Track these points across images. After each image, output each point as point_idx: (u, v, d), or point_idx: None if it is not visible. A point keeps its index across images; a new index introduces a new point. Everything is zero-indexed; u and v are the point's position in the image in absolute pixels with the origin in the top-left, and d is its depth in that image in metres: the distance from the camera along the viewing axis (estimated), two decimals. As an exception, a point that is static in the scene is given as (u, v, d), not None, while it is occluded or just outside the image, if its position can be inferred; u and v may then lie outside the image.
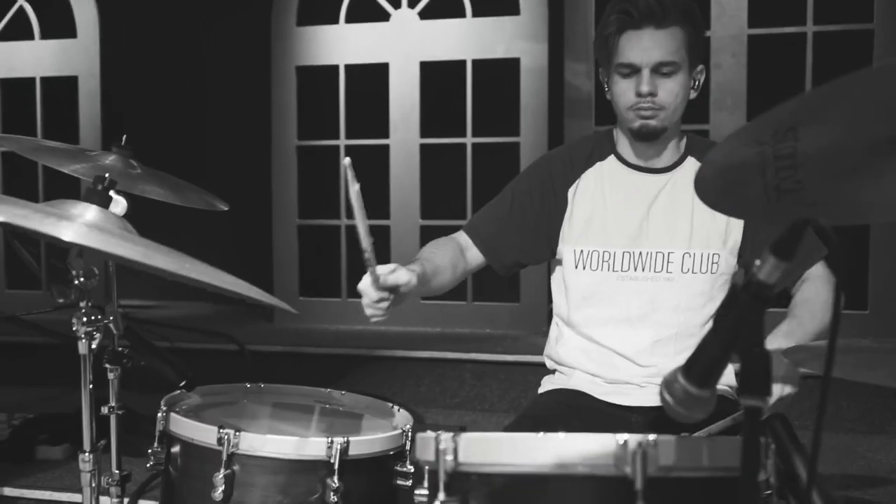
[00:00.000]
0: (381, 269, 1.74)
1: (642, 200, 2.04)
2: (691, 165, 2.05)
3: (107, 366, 1.78)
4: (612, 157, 2.09)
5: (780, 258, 0.84)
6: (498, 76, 4.59)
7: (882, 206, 1.19)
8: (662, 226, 2.02)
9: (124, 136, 1.85)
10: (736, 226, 2.00)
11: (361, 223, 1.65)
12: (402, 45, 4.68)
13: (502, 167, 4.62)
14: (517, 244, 2.10)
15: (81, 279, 1.43)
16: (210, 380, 1.95)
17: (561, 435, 0.95)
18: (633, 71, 1.93)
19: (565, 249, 2.07)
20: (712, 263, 1.99)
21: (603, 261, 2.04)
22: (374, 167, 4.77)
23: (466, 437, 0.97)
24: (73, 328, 1.45)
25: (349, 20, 4.76)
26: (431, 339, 4.39)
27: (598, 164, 2.09)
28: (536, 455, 0.93)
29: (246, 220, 4.50)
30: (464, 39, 4.61)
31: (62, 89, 5.20)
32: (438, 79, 4.69)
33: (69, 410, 3.38)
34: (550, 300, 4.35)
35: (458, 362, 4.16)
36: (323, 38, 4.79)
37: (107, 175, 1.43)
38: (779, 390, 1.74)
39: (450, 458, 0.98)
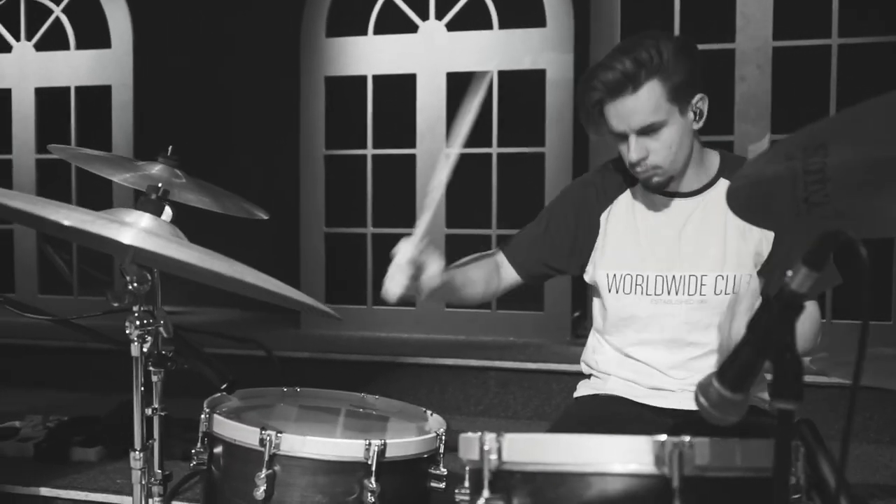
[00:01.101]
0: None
1: (674, 224, 2.08)
2: (723, 187, 2.07)
3: (151, 368, 1.85)
4: (640, 184, 2.13)
5: (811, 268, 0.88)
6: (524, 87, 4.64)
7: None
8: (695, 249, 2.05)
9: (170, 147, 1.92)
10: (766, 246, 2.04)
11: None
12: (430, 57, 4.74)
13: (527, 177, 4.68)
14: (547, 259, 2.17)
15: (135, 284, 1.50)
16: (240, 385, 2.02)
17: (601, 436, 1.00)
18: (622, 137, 1.98)
19: (598, 273, 2.12)
20: (745, 284, 2.03)
21: (636, 284, 2.08)
22: (400, 176, 4.83)
23: (510, 437, 1.03)
24: (127, 331, 1.51)
25: (378, 31, 4.83)
26: (456, 347, 4.44)
27: (630, 189, 2.14)
28: (578, 454, 0.98)
29: (275, 228, 4.57)
30: (490, 51, 4.67)
31: (96, 99, 5.30)
32: (465, 90, 4.74)
33: (100, 413, 3.46)
34: (573, 310, 4.40)
35: (483, 370, 4.21)
36: (352, 50, 4.87)
37: (160, 185, 1.50)
38: None
39: (494, 457, 1.03)
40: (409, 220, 5.13)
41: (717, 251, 2.04)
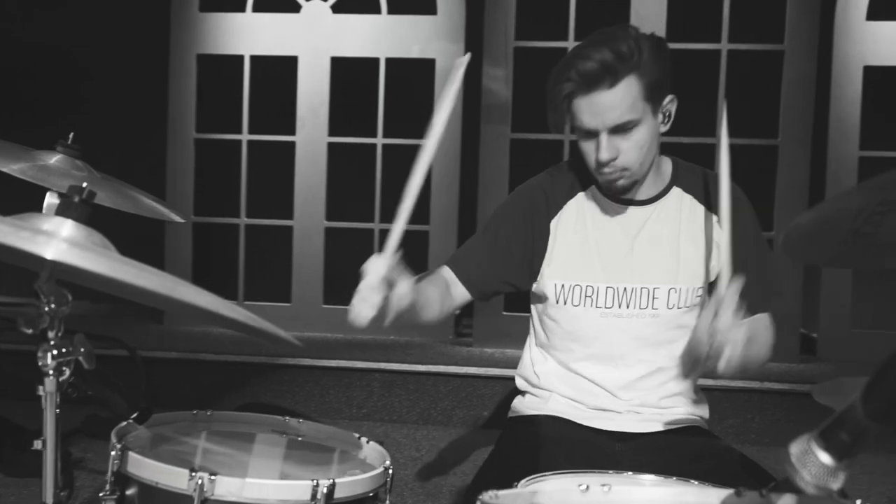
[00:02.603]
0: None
1: (626, 234, 1.96)
2: (676, 196, 1.98)
3: (42, 394, 1.56)
4: (594, 188, 2.01)
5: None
6: (412, 76, 4.46)
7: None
8: (647, 260, 1.94)
9: (71, 134, 1.63)
10: (716, 255, 1.95)
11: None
12: (313, 39, 4.49)
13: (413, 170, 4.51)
14: (502, 278, 2.01)
15: (52, 306, 1.23)
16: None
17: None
18: (591, 134, 1.85)
19: (547, 283, 1.98)
20: (696, 296, 1.95)
21: (586, 296, 1.96)
22: (278, 165, 4.55)
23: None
24: (40, 362, 1.24)
25: (257, 9, 4.52)
26: (336, 347, 4.23)
27: (581, 194, 2.01)
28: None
29: (137, 217, 4.20)
30: (378, 37, 4.46)
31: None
32: (350, 76, 4.52)
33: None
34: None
35: (367, 371, 4.02)
36: (228, 27, 4.54)
37: (84, 185, 1.24)
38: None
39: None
40: (286, 212, 4.88)
41: (671, 263, 1.94)
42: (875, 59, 4.14)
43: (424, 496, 3.04)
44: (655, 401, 1.97)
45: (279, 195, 4.56)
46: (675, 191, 1.98)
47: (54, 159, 1.58)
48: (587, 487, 1.21)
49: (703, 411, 2.03)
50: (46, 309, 1.23)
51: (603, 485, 1.26)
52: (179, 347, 4.17)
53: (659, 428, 1.95)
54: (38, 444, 1.64)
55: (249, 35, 4.53)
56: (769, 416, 3.83)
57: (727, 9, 4.15)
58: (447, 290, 1.99)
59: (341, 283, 4.60)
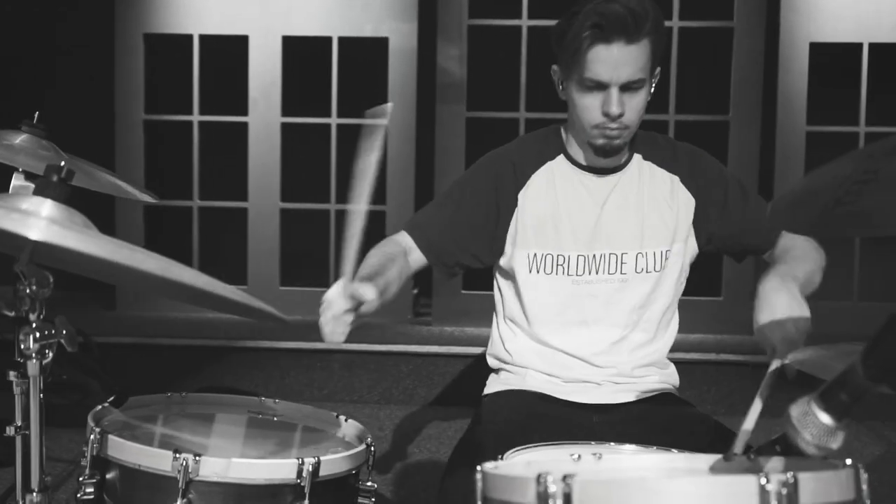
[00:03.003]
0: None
1: (594, 202, 1.99)
2: (637, 163, 2.01)
3: (13, 379, 1.53)
4: (561, 157, 2.02)
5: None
6: (366, 56, 4.43)
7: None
8: (615, 227, 1.97)
9: (37, 113, 1.59)
10: (685, 217, 1.99)
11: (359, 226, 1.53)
12: (264, 18, 4.42)
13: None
14: (464, 246, 2.01)
15: (33, 288, 1.20)
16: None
17: (690, 479, 0.87)
18: (599, 87, 1.86)
19: (517, 254, 1.99)
20: (664, 260, 1.99)
21: (558, 265, 1.98)
22: (231, 146, 4.49)
23: (581, 482, 0.87)
24: (22, 346, 1.21)
25: (205, -13, 4.44)
26: (294, 328, 4.18)
27: (548, 163, 2.02)
28: (667, 501, 0.85)
29: (88, 198, 4.12)
30: (330, 15, 4.42)
31: None
32: (302, 55, 4.47)
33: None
34: (414, 286, 4.25)
35: (327, 352, 4.01)
36: (175, 5, 4.45)
37: (63, 163, 1.21)
38: (784, 337, 1.65)
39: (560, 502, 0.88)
40: (240, 193, 4.81)
41: (637, 228, 1.98)
42: (820, 36, 4.22)
43: (393, 475, 3.06)
44: (629, 370, 2.00)
45: (233, 177, 4.50)
46: (636, 158, 2.02)
47: (20, 139, 1.54)
48: (579, 456, 1.22)
49: (674, 379, 2.08)
50: (28, 291, 1.20)
51: (594, 454, 1.27)
52: (134, 332, 4.11)
53: (633, 398, 1.99)
54: (10, 431, 1.62)
55: (198, 14, 4.45)
56: (724, 386, 3.92)
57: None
58: (405, 258, 1.98)
59: (297, 265, 4.57)
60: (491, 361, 2.13)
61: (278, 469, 1.48)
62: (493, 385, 2.11)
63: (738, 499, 0.84)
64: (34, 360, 1.22)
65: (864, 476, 0.97)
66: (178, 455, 1.43)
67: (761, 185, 4.18)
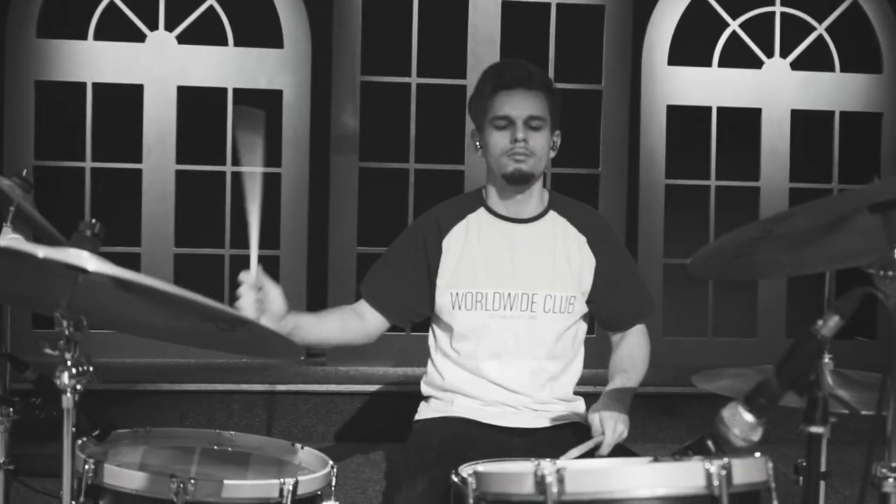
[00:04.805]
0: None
1: (509, 246, 2.29)
2: (552, 218, 2.34)
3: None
4: (482, 209, 2.33)
5: (841, 317, 1.11)
6: (260, 107, 4.57)
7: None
8: (527, 269, 2.28)
9: (25, 170, 1.75)
10: (587, 272, 2.32)
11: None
12: (159, 68, 4.54)
13: (262, 197, 4.64)
14: (412, 297, 2.30)
15: (71, 329, 1.36)
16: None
17: (656, 463, 1.14)
18: (508, 123, 2.21)
19: (441, 294, 2.27)
20: (569, 304, 2.29)
21: (476, 301, 2.27)
22: (124, 193, 4.56)
23: (572, 470, 1.13)
24: (58, 382, 1.36)
25: (98, 37, 4.52)
26: (193, 370, 4.29)
27: (469, 216, 2.33)
28: (639, 482, 1.12)
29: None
30: (225, 67, 4.58)
31: None
32: (198, 105, 4.61)
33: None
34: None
35: (226, 394, 4.13)
36: (69, 54, 4.51)
37: (94, 220, 1.38)
38: (612, 424, 2.07)
39: (555, 489, 1.13)
40: (135, 240, 4.85)
41: (547, 273, 2.29)
42: (676, 100, 4.73)
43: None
44: (541, 400, 2.29)
45: (126, 223, 4.56)
46: (552, 214, 2.35)
47: (6, 183, 1.68)
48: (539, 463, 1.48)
49: (581, 409, 2.38)
50: (67, 333, 1.36)
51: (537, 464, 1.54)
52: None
53: (547, 424, 2.28)
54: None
55: (91, 62, 4.51)
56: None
57: (553, 51, 4.60)
58: (355, 316, 2.28)
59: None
60: (424, 389, 2.38)
61: (264, 489, 1.67)
62: (423, 412, 2.35)
63: (692, 478, 1.13)
64: (69, 395, 1.38)
65: (769, 465, 1.28)
66: (174, 479, 1.60)
67: (628, 230, 4.61)
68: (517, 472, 1.18)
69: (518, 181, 2.26)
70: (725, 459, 1.15)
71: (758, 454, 1.25)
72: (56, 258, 1.22)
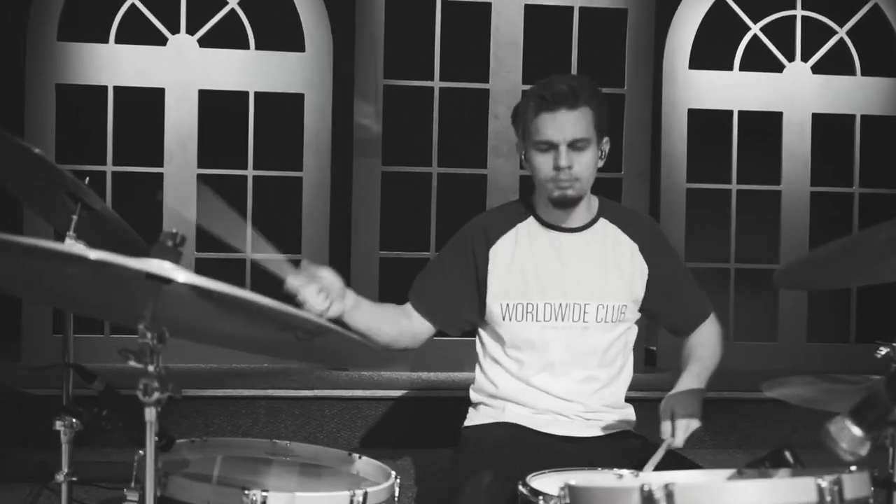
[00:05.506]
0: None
1: (560, 256, 2.28)
2: (603, 226, 2.32)
3: (61, 427, 1.65)
4: (531, 219, 2.31)
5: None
6: (282, 110, 4.60)
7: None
8: (578, 279, 2.27)
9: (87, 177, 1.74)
10: (640, 280, 2.31)
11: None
12: (180, 72, 4.52)
13: (284, 201, 4.63)
14: (462, 306, 2.28)
15: (154, 342, 1.35)
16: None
17: (764, 480, 1.13)
18: (550, 147, 2.17)
19: (492, 304, 2.26)
20: (621, 313, 2.28)
21: (527, 312, 2.25)
22: (146, 197, 4.54)
23: (682, 486, 1.12)
24: (141, 395, 1.35)
25: (120, 41, 4.50)
26: (218, 377, 4.28)
27: (518, 224, 2.31)
28: (752, 498, 1.11)
29: None
30: (246, 71, 4.57)
31: None
32: (219, 108, 4.59)
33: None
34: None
35: (252, 399, 4.11)
36: (90, 57, 4.49)
37: (176, 230, 1.37)
38: (684, 425, 2.05)
39: (663, 506, 1.12)
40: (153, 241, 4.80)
41: (599, 283, 2.27)
42: (697, 103, 4.72)
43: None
44: (592, 408, 2.28)
45: (147, 228, 4.53)
46: (602, 221, 2.33)
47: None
48: (621, 476, 1.48)
49: (631, 416, 2.37)
50: (151, 345, 1.34)
51: (620, 475, 1.53)
52: (53, 384, 4.06)
53: (599, 433, 2.27)
54: (58, 477, 1.72)
55: (112, 66, 4.50)
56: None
57: (575, 55, 4.59)
58: (404, 316, 2.25)
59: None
60: (473, 396, 2.37)
61: (335, 500, 1.66)
62: (473, 418, 2.34)
63: (804, 493, 1.12)
64: (151, 407, 1.36)
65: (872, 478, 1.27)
66: (247, 492, 1.59)
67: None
68: (619, 487, 1.16)
69: (564, 206, 2.25)
70: (836, 475, 1.14)
71: (859, 467, 1.24)
72: (154, 272, 1.19)
